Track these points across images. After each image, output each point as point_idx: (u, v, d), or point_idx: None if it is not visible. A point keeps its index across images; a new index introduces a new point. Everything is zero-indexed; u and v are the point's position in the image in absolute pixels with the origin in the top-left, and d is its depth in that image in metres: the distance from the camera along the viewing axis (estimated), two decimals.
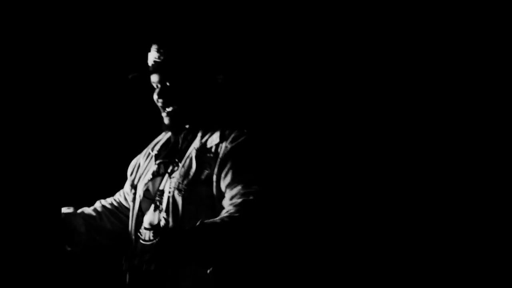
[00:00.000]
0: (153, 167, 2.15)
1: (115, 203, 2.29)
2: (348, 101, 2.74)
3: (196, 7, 2.84)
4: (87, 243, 2.17)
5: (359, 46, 2.72)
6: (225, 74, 2.12)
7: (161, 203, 2.05)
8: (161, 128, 2.18)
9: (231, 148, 2.00)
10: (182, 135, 2.14)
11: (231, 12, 2.81)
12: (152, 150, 2.22)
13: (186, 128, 2.14)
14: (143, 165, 2.22)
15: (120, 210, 2.27)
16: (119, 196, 2.31)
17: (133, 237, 2.10)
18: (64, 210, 2.14)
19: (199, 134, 2.10)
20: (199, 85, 2.09)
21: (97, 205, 2.28)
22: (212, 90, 2.10)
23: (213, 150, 2.03)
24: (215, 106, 2.12)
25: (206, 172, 2.00)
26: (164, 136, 2.24)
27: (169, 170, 2.09)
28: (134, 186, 2.18)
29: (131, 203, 2.17)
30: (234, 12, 2.81)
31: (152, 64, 2.10)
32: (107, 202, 2.29)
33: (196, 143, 2.08)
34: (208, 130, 2.09)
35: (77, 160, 2.92)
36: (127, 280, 2.06)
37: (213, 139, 2.05)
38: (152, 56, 2.10)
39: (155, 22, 2.87)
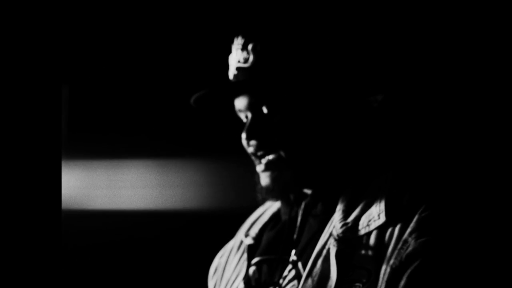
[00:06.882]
0: (245, 268, 1.23)
1: None
2: None
3: None
4: None
5: None
6: (385, 91, 1.16)
7: None
8: (255, 195, 1.25)
9: (420, 247, 1.01)
10: (302, 207, 1.19)
11: None
12: (246, 235, 1.28)
13: (307, 194, 1.19)
14: (230, 264, 1.28)
15: None
16: None
17: None
18: None
19: (340, 206, 1.12)
20: (331, 113, 1.15)
21: None
22: (359, 122, 1.16)
23: (372, 241, 1.05)
24: (363, 150, 1.16)
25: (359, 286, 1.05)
26: (266, 209, 1.32)
27: (280, 280, 1.14)
28: None
29: None
30: None
31: (235, 74, 1.17)
32: None
33: (335, 224, 1.10)
34: (355, 196, 1.13)
35: None
36: None
37: (372, 214, 1.08)
38: (236, 58, 1.17)
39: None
